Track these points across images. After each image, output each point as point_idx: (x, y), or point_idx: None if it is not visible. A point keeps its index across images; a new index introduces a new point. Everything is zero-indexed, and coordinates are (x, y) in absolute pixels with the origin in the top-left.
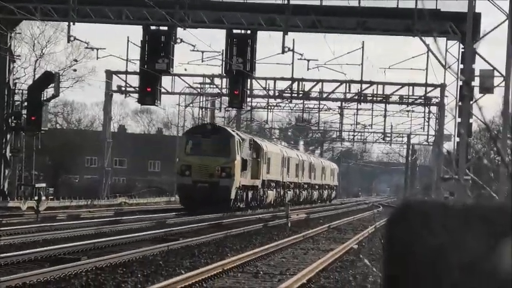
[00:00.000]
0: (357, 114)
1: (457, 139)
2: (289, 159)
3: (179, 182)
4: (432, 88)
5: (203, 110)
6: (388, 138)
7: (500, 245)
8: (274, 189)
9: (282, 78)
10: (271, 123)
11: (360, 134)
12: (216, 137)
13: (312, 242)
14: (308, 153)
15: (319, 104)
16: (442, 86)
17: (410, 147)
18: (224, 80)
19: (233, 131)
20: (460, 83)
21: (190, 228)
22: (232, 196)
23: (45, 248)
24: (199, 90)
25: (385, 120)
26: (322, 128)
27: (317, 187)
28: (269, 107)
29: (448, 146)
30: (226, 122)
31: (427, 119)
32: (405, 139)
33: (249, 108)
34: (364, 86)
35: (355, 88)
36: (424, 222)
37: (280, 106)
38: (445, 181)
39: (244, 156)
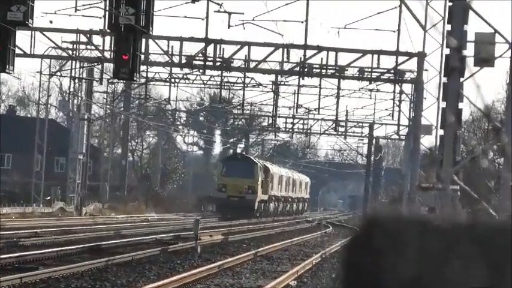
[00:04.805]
0: (298, 93)
1: (441, 131)
2: (282, 176)
3: (217, 197)
4: (406, 58)
5: (76, 81)
6: (342, 129)
7: (502, 278)
8: (273, 202)
9: (192, 39)
10: (174, 103)
11: (302, 121)
12: (244, 163)
13: (231, 275)
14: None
15: (244, 78)
16: (421, 55)
17: (374, 141)
18: (107, 38)
19: (255, 159)
20: (447, 51)
21: (56, 253)
22: (255, 207)
23: None
24: (70, 52)
25: (338, 103)
26: (248, 111)
27: (297, 200)
28: (172, 80)
29: (427, 141)
30: (110, 99)
31: (397, 102)
32: (366, 130)
33: (143, 80)
34: (310, 52)
35: (296, 55)
36: (396, 246)
37: (188, 79)
38: (423, 191)
39: (262, 178)
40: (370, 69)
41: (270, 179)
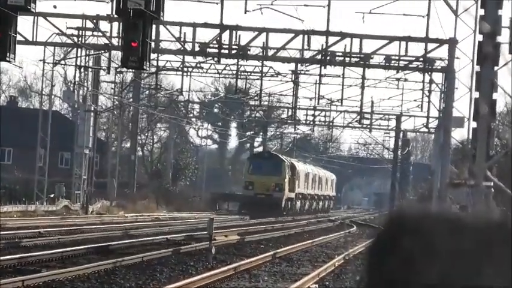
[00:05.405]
0: (319, 83)
1: (474, 124)
2: (309, 174)
3: (244, 194)
4: (436, 45)
5: (81, 70)
6: (366, 121)
7: None
8: (300, 200)
9: (206, 25)
10: (187, 94)
11: (323, 113)
12: (271, 161)
13: (248, 278)
14: (309, 161)
15: (261, 66)
16: (452, 42)
17: (401, 135)
18: (115, 24)
19: (282, 156)
20: (480, 37)
21: (60, 255)
22: (283, 205)
23: None
24: (75, 39)
25: (362, 94)
26: (266, 103)
27: (322, 197)
28: (185, 69)
29: (459, 134)
30: (118, 89)
31: (426, 93)
32: (393, 122)
33: (153, 69)
34: (332, 39)
35: (317, 42)
36: (423, 246)
37: (202, 68)
38: (454, 188)
39: (289, 176)
40: (397, 57)
41: (297, 176)
